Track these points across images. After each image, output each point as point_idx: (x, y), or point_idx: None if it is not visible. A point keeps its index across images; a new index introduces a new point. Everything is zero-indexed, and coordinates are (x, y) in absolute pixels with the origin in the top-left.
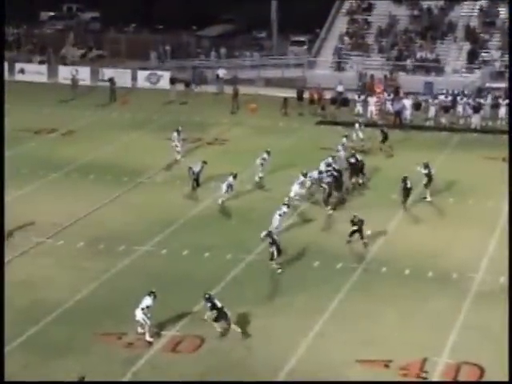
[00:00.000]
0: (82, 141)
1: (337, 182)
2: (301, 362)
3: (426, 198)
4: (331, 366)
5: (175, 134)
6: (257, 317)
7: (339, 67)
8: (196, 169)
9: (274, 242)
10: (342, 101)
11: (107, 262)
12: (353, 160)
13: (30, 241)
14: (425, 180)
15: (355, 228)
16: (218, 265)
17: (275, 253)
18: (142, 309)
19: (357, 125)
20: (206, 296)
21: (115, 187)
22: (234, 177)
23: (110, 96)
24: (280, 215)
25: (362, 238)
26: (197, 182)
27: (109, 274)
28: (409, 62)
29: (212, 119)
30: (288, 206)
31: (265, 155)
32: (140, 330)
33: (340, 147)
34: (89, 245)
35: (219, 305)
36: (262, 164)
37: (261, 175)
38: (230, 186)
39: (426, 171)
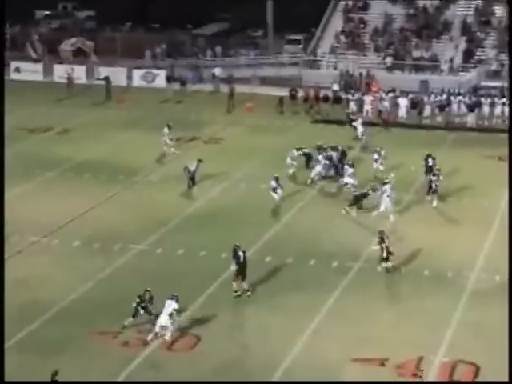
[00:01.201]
0: (77, 139)
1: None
2: (297, 360)
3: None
4: (327, 364)
5: (166, 129)
6: (253, 316)
7: (335, 66)
8: (192, 167)
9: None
10: (335, 99)
11: (103, 260)
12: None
13: (26, 240)
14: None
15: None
16: (213, 264)
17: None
18: (169, 314)
19: (359, 120)
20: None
21: (110, 186)
22: (276, 179)
23: (105, 95)
24: (388, 196)
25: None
26: (193, 180)
27: (104, 273)
28: (404, 61)
29: (208, 118)
30: (388, 183)
31: (294, 152)
32: (160, 330)
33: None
34: (84, 244)
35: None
36: (292, 161)
37: (291, 171)
38: (275, 189)
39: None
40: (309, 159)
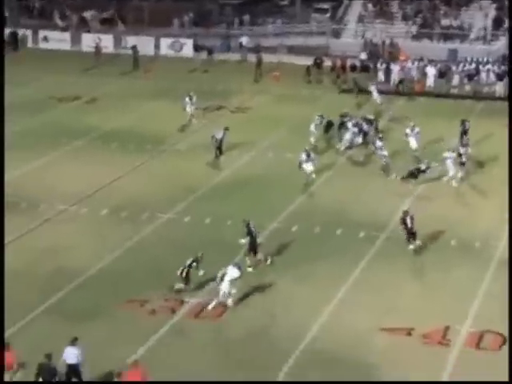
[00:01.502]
0: (105, 109)
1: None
2: (323, 330)
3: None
4: (354, 333)
5: (187, 99)
6: (280, 285)
7: (362, 35)
8: (218, 136)
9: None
10: (362, 68)
11: (130, 229)
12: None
13: (54, 208)
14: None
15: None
16: (239, 233)
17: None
18: (231, 281)
19: (372, 86)
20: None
21: (138, 155)
22: (307, 154)
23: (133, 64)
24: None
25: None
26: (220, 149)
27: (132, 242)
28: (432, 30)
29: (235, 87)
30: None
31: (317, 120)
32: (222, 299)
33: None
34: (112, 212)
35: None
36: (315, 129)
37: (313, 141)
38: (305, 162)
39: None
40: (329, 126)
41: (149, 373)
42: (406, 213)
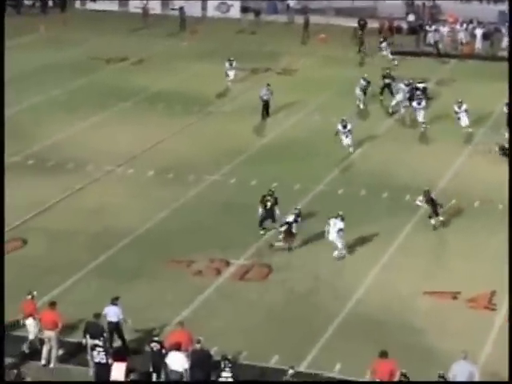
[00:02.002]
0: (151, 70)
1: None
2: (368, 292)
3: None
4: (399, 297)
5: (227, 64)
6: (324, 248)
7: None
8: (265, 96)
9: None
10: (410, 30)
11: (176, 190)
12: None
13: (101, 169)
14: None
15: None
16: (286, 195)
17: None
18: (337, 232)
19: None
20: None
21: (184, 117)
22: (344, 125)
23: (179, 25)
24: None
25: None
26: (267, 111)
27: (178, 203)
28: None
29: (282, 49)
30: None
31: (363, 82)
32: (338, 252)
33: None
34: (158, 174)
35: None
36: (362, 92)
37: (361, 105)
38: (342, 134)
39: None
40: (384, 88)
41: (193, 334)
42: (427, 192)
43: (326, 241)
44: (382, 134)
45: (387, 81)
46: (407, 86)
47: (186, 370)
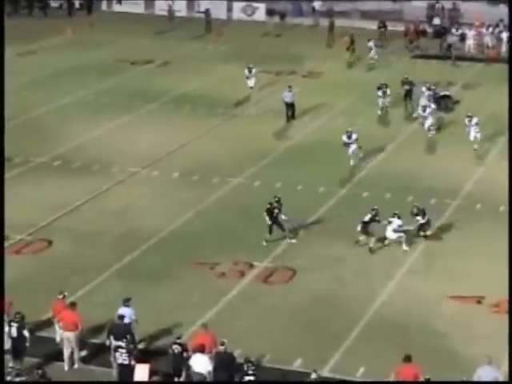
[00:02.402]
0: (177, 72)
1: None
2: (392, 295)
3: None
4: (422, 300)
5: (246, 71)
6: (349, 251)
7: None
8: (287, 99)
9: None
10: (435, 33)
11: (201, 192)
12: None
13: (126, 171)
14: None
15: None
16: (310, 198)
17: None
18: (394, 230)
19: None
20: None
21: (210, 119)
22: (348, 135)
23: (205, 27)
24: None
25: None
26: (293, 114)
27: (203, 205)
28: None
29: (307, 52)
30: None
31: (382, 88)
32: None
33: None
34: (183, 176)
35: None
36: (383, 96)
37: (379, 112)
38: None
39: None
40: (408, 93)
41: (216, 336)
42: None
43: (348, 243)
44: (406, 137)
45: (406, 87)
46: (428, 90)
47: (209, 372)
